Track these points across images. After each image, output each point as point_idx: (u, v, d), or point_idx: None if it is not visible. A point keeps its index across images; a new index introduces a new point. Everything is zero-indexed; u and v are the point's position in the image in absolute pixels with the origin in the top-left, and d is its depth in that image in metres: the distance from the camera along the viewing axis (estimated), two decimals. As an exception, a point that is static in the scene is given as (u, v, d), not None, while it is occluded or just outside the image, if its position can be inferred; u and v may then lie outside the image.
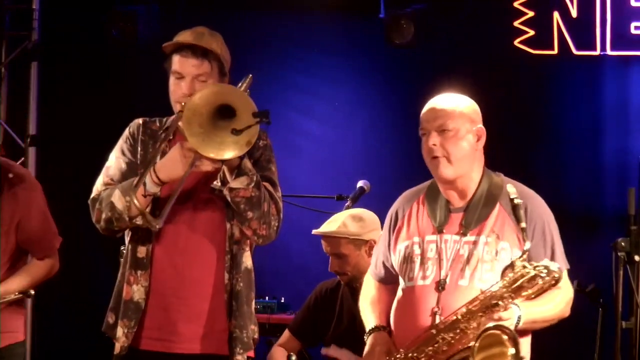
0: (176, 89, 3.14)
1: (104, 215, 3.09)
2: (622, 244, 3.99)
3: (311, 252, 4.82)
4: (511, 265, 2.90)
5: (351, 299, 4.16)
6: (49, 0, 6.38)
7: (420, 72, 6.50)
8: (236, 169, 3.01)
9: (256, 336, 3.24)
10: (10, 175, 3.65)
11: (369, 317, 3.20)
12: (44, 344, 6.22)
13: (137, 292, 3.13)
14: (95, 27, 6.46)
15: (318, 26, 6.66)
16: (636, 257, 3.96)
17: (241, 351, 3.15)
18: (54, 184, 6.40)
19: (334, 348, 4.11)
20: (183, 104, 2.99)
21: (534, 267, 2.85)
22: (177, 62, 3.13)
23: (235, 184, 3.02)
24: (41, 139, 6.27)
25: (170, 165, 3.00)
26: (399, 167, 6.39)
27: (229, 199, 3.05)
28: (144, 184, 3.00)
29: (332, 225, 4.13)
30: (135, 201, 2.96)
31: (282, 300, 5.75)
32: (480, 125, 3.09)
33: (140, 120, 3.26)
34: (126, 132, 3.25)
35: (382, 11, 6.51)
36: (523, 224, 2.93)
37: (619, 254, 3.96)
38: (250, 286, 3.21)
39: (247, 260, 3.20)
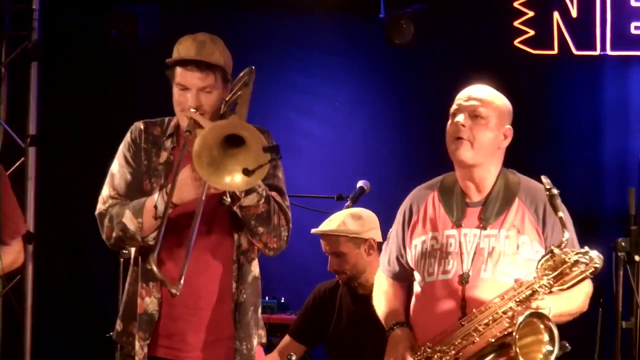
0: (182, 100, 3.11)
1: (114, 234, 3.08)
2: (622, 244, 3.99)
3: (311, 252, 4.82)
4: (550, 253, 2.88)
5: (350, 299, 4.16)
6: (49, 0, 6.37)
7: (420, 72, 6.51)
8: None
9: (264, 340, 3.25)
10: None
11: (388, 313, 3.19)
12: (43, 344, 6.22)
13: (150, 304, 3.12)
14: (95, 27, 6.46)
15: (318, 26, 6.66)
16: (636, 257, 3.96)
17: None
18: (54, 184, 6.42)
19: None
20: (189, 117, 3.02)
21: (575, 253, 2.85)
22: (181, 75, 3.10)
23: (246, 201, 3.00)
24: (41, 139, 6.27)
25: (183, 188, 2.98)
26: (399, 167, 6.39)
27: (240, 216, 3.05)
28: (155, 207, 2.99)
29: (331, 223, 4.14)
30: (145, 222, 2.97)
31: (282, 301, 5.75)
32: (510, 126, 3.09)
33: (141, 125, 3.22)
34: (128, 138, 3.21)
35: (382, 11, 6.50)
36: (560, 213, 2.92)
37: (619, 254, 3.96)
38: (257, 294, 3.21)
39: (255, 269, 3.20)
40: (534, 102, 6.51)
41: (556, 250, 2.87)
